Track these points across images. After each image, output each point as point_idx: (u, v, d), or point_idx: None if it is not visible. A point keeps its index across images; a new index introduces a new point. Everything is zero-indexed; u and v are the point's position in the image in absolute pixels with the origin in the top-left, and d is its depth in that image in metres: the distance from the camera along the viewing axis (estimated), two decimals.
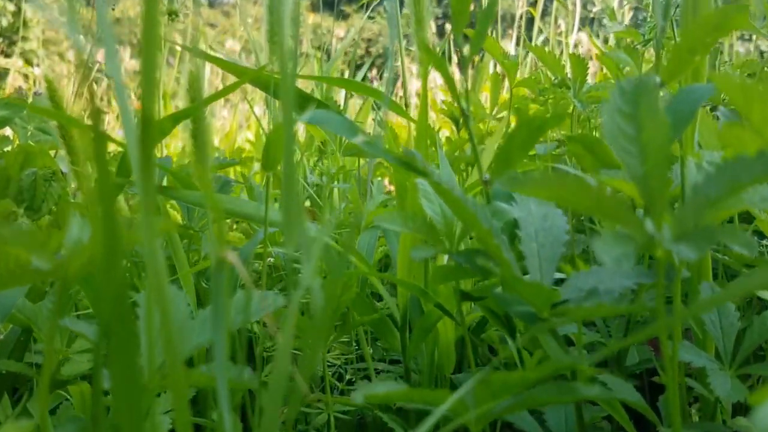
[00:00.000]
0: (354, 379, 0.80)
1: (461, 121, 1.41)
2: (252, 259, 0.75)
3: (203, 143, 0.62)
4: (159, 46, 0.29)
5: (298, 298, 0.34)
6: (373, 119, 1.41)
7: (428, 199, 0.52)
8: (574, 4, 3.23)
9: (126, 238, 0.34)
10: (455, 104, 1.01)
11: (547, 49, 3.22)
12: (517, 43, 3.64)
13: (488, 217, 0.47)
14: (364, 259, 0.70)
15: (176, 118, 0.59)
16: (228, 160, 0.89)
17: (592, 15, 4.46)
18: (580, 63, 0.96)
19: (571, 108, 0.97)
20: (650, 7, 1.85)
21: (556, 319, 0.45)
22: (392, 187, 1.66)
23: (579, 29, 3.35)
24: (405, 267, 0.62)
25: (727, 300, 0.52)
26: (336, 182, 0.94)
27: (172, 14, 1.42)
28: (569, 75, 1.00)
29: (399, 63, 0.91)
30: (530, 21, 3.46)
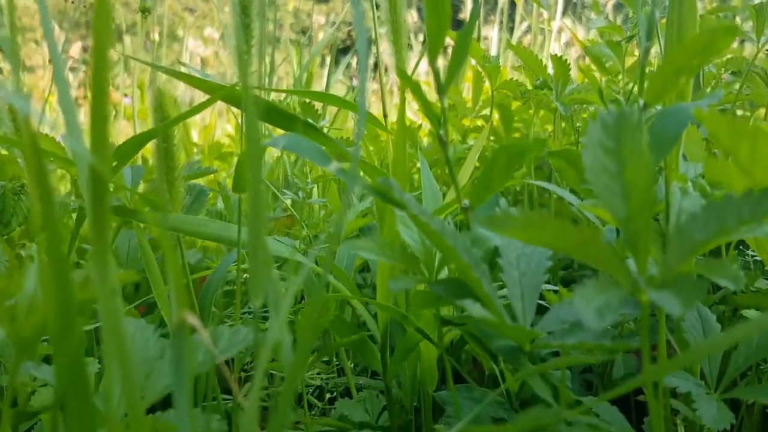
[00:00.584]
0: (335, 394, 0.78)
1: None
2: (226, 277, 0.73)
3: (172, 162, 0.60)
4: (108, 88, 0.27)
5: (266, 357, 0.32)
6: (353, 117, 1.39)
7: (406, 226, 0.50)
8: None
9: (80, 296, 0.32)
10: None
11: (529, 36, 3.20)
12: (500, 29, 3.62)
13: (468, 246, 0.45)
14: (344, 274, 0.68)
15: (141, 140, 0.57)
16: (203, 169, 0.87)
17: (575, 0, 4.43)
18: (561, 65, 0.95)
19: (554, 110, 0.96)
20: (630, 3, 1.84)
21: (539, 353, 0.43)
22: None
23: (562, 15, 3.33)
24: (385, 289, 0.60)
25: (721, 349, 0.51)
26: (315, 185, 0.92)
27: (145, 11, 1.38)
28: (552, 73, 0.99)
29: (378, 51, 0.88)
30: (513, 4, 3.43)
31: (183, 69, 0.66)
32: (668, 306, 0.31)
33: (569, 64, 0.95)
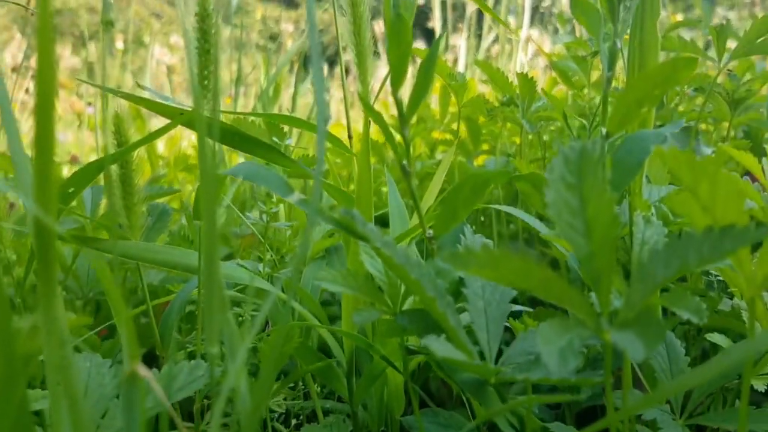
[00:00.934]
0: (301, 419, 0.77)
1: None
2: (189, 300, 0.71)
3: (130, 188, 0.59)
4: (53, 136, 0.26)
5: (222, 405, 0.31)
6: None
7: (370, 256, 0.49)
8: (523, 1, 3.24)
9: (25, 348, 0.31)
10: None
11: (497, 46, 3.21)
12: (468, 38, 3.64)
13: (432, 277, 0.45)
14: (310, 298, 0.67)
15: (98, 167, 0.55)
16: (165, 189, 0.85)
17: (542, 10, 4.49)
18: (527, 82, 0.95)
19: (521, 128, 0.96)
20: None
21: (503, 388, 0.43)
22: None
23: (530, 25, 3.36)
24: (350, 317, 0.59)
25: (692, 386, 0.51)
26: (281, 205, 0.91)
27: (108, 24, 1.36)
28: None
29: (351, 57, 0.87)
30: (481, 13, 3.45)
31: (146, 88, 0.64)
32: (631, 349, 0.30)
33: (535, 81, 0.96)
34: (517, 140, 1.41)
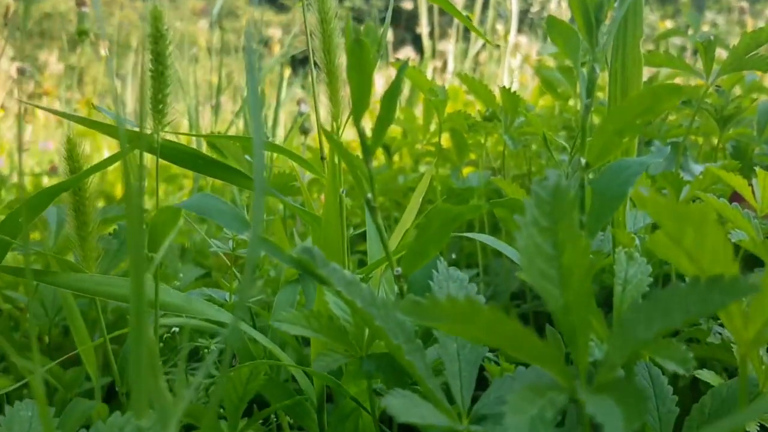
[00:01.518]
0: None
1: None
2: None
3: (85, 217, 0.55)
4: None
5: None
6: (302, 144, 1.35)
7: (335, 296, 0.46)
8: (511, 6, 3.22)
9: None
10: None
11: (484, 54, 3.19)
12: (456, 43, 3.61)
13: (399, 321, 0.41)
14: (279, 331, 0.64)
15: (52, 193, 0.52)
16: (120, 209, 0.81)
17: (531, 15, 4.47)
18: (511, 97, 0.92)
19: (503, 143, 0.93)
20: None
21: None
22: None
23: (518, 31, 3.34)
24: (319, 349, 0.56)
25: None
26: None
27: (83, 34, 1.32)
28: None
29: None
30: (469, 19, 3.43)
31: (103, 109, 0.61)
32: (609, 423, 0.27)
33: (518, 96, 0.93)
34: (501, 149, 1.38)
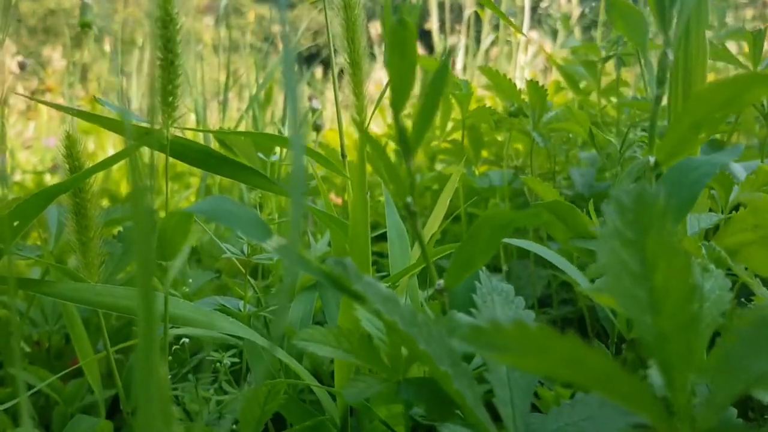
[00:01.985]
0: None
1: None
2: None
3: (86, 221, 0.50)
4: None
5: None
6: (314, 141, 1.30)
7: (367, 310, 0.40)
8: (523, 2, 3.16)
9: None
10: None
11: (496, 48, 3.13)
12: (467, 39, 3.55)
13: (445, 343, 0.36)
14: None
15: (47, 197, 0.47)
16: (125, 210, 0.76)
17: (540, 11, 4.41)
18: (537, 90, 0.87)
19: (531, 140, 0.88)
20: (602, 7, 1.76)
21: None
22: (339, 200, 1.53)
23: (529, 27, 3.28)
24: (344, 372, 0.51)
25: None
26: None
27: (86, 26, 1.27)
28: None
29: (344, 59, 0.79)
30: (478, 14, 3.36)
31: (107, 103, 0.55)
32: None
33: (546, 90, 0.87)
34: (520, 147, 1.32)
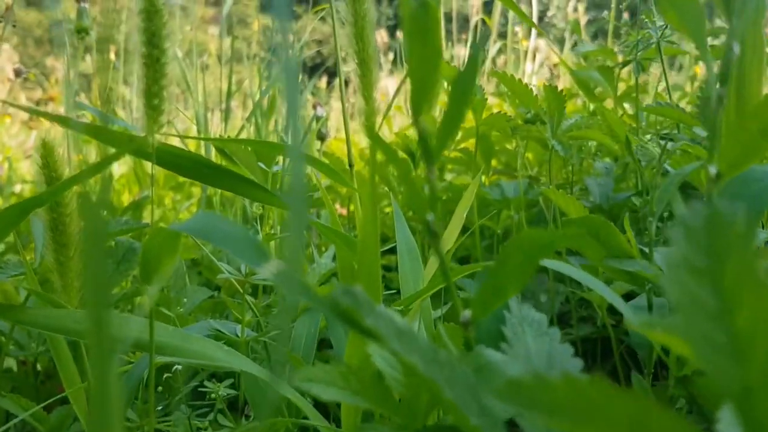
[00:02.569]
0: None
1: (422, 162, 1.25)
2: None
3: (64, 238, 0.45)
4: None
5: None
6: (318, 150, 1.25)
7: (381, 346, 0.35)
8: (531, 9, 3.11)
9: None
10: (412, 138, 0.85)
11: (503, 57, 3.09)
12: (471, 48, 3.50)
13: (472, 384, 0.31)
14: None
15: (22, 211, 0.42)
16: (129, 224, 0.71)
17: (546, 20, 4.37)
18: (556, 96, 0.82)
19: (547, 146, 0.82)
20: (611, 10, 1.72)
21: None
22: (344, 211, 1.48)
23: (537, 35, 3.23)
24: (352, 416, 0.45)
25: None
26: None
27: (82, 31, 1.23)
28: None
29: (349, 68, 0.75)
30: (484, 23, 3.32)
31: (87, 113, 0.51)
32: None
33: (564, 95, 0.82)
34: (530, 156, 1.27)
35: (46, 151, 0.43)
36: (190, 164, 0.45)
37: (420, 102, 0.28)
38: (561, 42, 3.59)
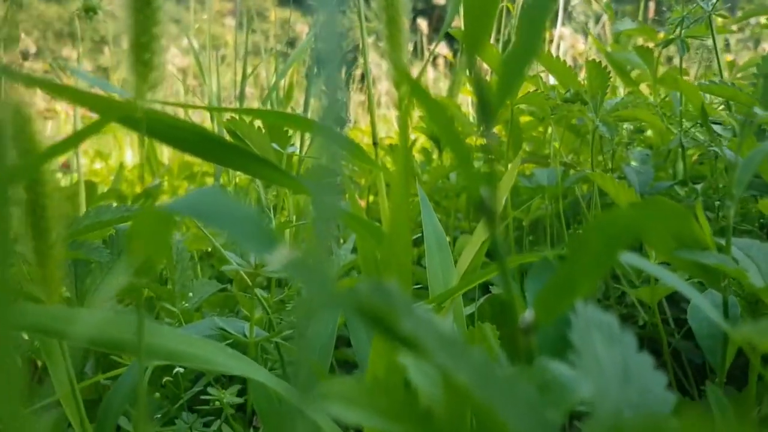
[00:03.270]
0: None
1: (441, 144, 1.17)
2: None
3: (44, 222, 0.38)
4: None
5: None
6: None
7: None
8: None
9: None
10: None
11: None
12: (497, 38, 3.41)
13: (536, 407, 0.24)
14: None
15: None
16: (120, 210, 0.64)
17: (570, 9, 4.26)
18: (599, 72, 0.74)
19: (592, 130, 0.75)
20: None
21: None
22: (363, 203, 1.41)
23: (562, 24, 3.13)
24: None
25: None
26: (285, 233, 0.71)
27: (90, 11, 1.17)
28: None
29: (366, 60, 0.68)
30: (508, 12, 3.23)
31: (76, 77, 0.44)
32: None
33: (609, 72, 0.74)
34: (555, 144, 1.19)
35: (20, 120, 0.36)
36: (190, 137, 0.38)
37: (476, 35, 0.21)
38: (585, 31, 3.49)
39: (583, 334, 0.30)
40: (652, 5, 2.35)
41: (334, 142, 0.45)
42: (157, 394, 0.49)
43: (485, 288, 0.77)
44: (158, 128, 0.37)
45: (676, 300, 0.88)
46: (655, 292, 0.65)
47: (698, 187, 0.95)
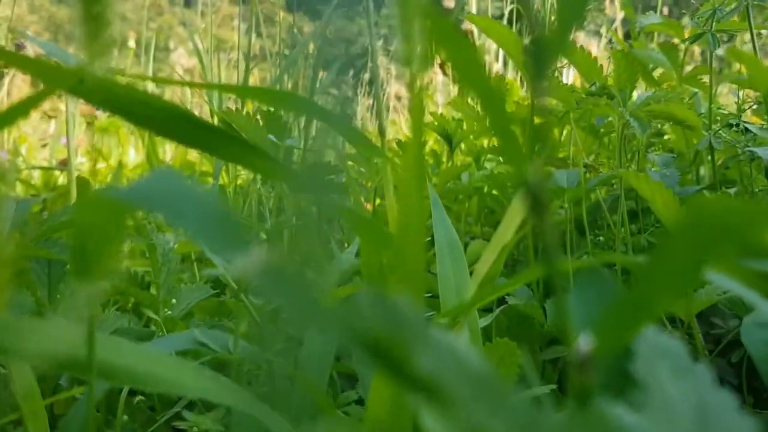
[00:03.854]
0: None
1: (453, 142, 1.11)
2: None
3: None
4: None
5: None
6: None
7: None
8: None
9: None
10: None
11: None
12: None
13: None
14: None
15: None
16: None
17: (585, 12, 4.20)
18: (628, 63, 0.67)
19: (619, 127, 0.68)
20: None
21: None
22: (368, 206, 1.35)
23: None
24: None
25: None
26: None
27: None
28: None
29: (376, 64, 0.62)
30: (519, 14, 3.17)
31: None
32: None
33: (637, 64, 0.68)
34: (575, 145, 1.13)
35: None
36: (156, 113, 0.31)
37: None
38: (599, 34, 3.42)
39: (647, 360, 0.23)
40: (665, 10, 2.28)
41: (338, 127, 0.38)
42: (126, 417, 0.43)
43: (500, 298, 0.70)
44: (120, 102, 0.30)
45: (703, 314, 0.81)
46: (691, 304, 0.58)
47: (731, 191, 0.88)
